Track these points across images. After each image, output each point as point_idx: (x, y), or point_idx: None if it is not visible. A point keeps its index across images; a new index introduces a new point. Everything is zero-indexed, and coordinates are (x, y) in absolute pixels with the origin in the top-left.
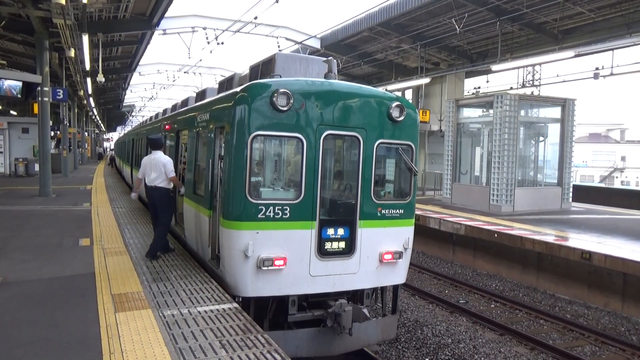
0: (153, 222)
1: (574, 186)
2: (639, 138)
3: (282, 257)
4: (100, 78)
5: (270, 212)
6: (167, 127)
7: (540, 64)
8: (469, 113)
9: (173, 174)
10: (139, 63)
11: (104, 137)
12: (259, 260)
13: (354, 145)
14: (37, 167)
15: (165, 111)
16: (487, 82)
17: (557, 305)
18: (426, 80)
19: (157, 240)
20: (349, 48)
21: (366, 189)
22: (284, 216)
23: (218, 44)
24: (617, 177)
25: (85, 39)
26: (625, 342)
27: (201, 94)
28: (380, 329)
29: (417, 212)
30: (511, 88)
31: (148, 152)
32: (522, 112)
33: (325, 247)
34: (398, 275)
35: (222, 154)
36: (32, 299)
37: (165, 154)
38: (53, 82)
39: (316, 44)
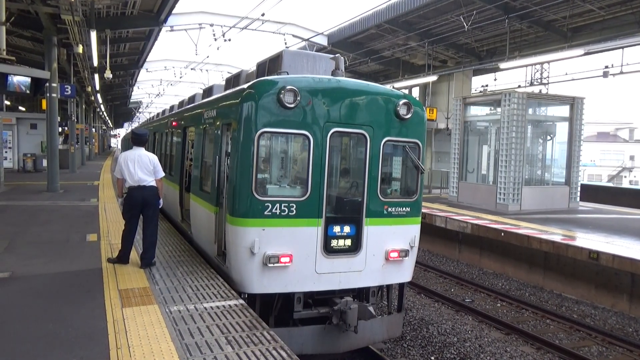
0: (130, 229)
1: (582, 185)
2: None
3: (288, 254)
4: (108, 74)
5: (276, 209)
6: (174, 123)
7: (548, 62)
8: (476, 111)
9: (163, 175)
10: (147, 59)
11: (111, 133)
12: (265, 257)
13: (361, 143)
14: (45, 163)
15: (172, 108)
16: (495, 80)
17: (564, 305)
18: (433, 78)
19: (151, 246)
20: (356, 45)
21: (373, 187)
22: (290, 213)
23: (225, 40)
24: (625, 177)
25: (93, 35)
26: (633, 342)
27: (208, 91)
28: (386, 327)
29: (424, 211)
30: (519, 86)
31: (130, 147)
32: (530, 111)
33: (331, 245)
34: (404, 273)
35: (229, 150)
36: (39, 294)
37: (172, 150)
38: (61, 78)
39: (323, 41)
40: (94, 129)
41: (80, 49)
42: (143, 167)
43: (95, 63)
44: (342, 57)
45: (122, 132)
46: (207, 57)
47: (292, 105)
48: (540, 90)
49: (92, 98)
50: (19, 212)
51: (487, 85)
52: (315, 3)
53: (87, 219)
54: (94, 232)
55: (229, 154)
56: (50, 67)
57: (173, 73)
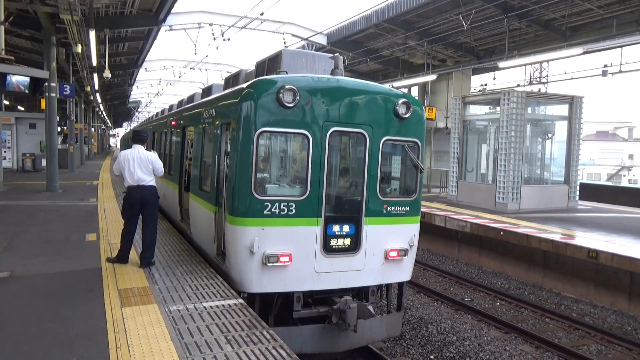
0: (129, 229)
1: (581, 184)
2: None
3: (288, 254)
4: (107, 74)
5: (275, 208)
6: (173, 123)
7: (547, 61)
8: (475, 110)
9: (162, 172)
10: (145, 59)
11: (110, 132)
12: (264, 257)
13: (360, 142)
14: (44, 163)
15: (171, 107)
16: (494, 79)
17: (563, 303)
18: (432, 77)
19: (150, 245)
20: (355, 44)
21: (372, 186)
22: (289, 213)
23: (224, 40)
24: (624, 176)
25: (92, 34)
26: (632, 341)
27: (207, 90)
28: (385, 326)
29: (423, 210)
30: (518, 85)
31: (129, 146)
32: (529, 110)
33: (331, 244)
34: (403, 272)
35: (228, 150)
36: (39, 293)
37: (171, 150)
38: (60, 77)
39: (322, 40)
40: (93, 129)
41: (79, 48)
42: (142, 165)
43: (94, 62)
44: (341, 57)
45: (122, 131)
46: (206, 56)
47: (291, 105)
48: (539, 89)
49: (91, 97)
50: (18, 212)
51: (486, 84)
52: (315, 2)
53: (87, 218)
54: (93, 231)
55: (229, 153)
56: (49, 66)
57: (172, 72)
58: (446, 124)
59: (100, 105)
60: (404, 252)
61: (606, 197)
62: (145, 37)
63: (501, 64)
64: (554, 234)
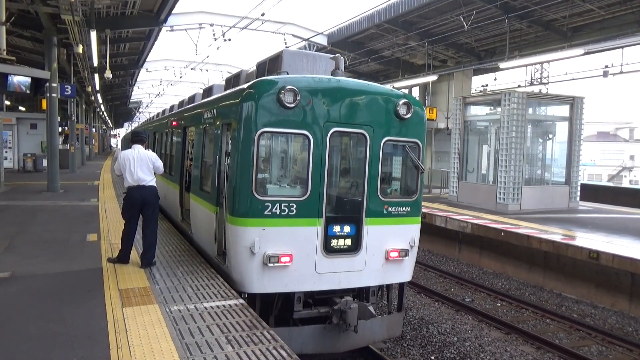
0: (130, 229)
1: (582, 185)
2: None
3: (288, 254)
4: (108, 74)
5: (276, 208)
6: (174, 123)
7: (548, 62)
8: (476, 111)
9: (162, 170)
10: (146, 59)
11: (111, 133)
12: (265, 257)
13: (361, 143)
14: (45, 163)
15: (172, 108)
16: (495, 79)
17: (564, 304)
18: (433, 77)
19: (151, 246)
20: (356, 45)
21: (373, 187)
22: (290, 213)
23: (225, 40)
24: (625, 176)
25: (93, 35)
26: (633, 342)
27: (208, 91)
28: (386, 326)
29: (424, 210)
30: (519, 86)
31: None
32: (530, 110)
33: (331, 245)
34: (404, 273)
35: (229, 150)
36: (40, 294)
37: (172, 150)
38: (61, 78)
39: (323, 40)
40: (94, 129)
41: (80, 48)
42: (143, 165)
43: (95, 63)
44: (342, 57)
45: (122, 132)
46: (207, 57)
47: (292, 105)
48: (540, 90)
49: (92, 98)
50: (19, 212)
51: (487, 85)
52: (315, 3)
53: (87, 218)
54: (94, 231)
55: (229, 153)
56: (50, 67)
57: (173, 73)
58: (447, 125)
59: (101, 106)
60: (404, 253)
61: (607, 198)
62: (146, 37)
63: (502, 65)
64: (555, 234)
